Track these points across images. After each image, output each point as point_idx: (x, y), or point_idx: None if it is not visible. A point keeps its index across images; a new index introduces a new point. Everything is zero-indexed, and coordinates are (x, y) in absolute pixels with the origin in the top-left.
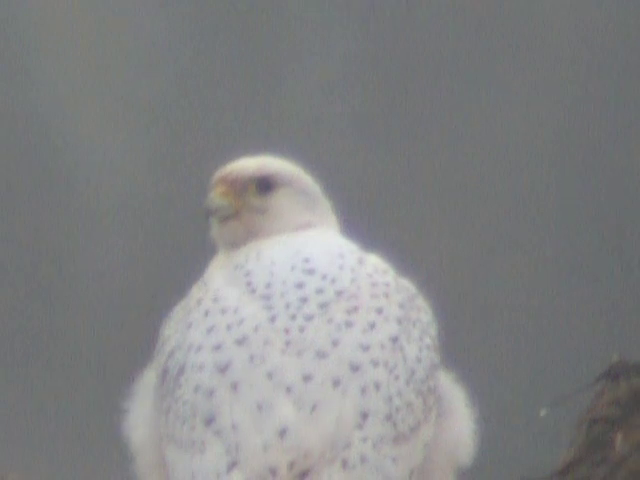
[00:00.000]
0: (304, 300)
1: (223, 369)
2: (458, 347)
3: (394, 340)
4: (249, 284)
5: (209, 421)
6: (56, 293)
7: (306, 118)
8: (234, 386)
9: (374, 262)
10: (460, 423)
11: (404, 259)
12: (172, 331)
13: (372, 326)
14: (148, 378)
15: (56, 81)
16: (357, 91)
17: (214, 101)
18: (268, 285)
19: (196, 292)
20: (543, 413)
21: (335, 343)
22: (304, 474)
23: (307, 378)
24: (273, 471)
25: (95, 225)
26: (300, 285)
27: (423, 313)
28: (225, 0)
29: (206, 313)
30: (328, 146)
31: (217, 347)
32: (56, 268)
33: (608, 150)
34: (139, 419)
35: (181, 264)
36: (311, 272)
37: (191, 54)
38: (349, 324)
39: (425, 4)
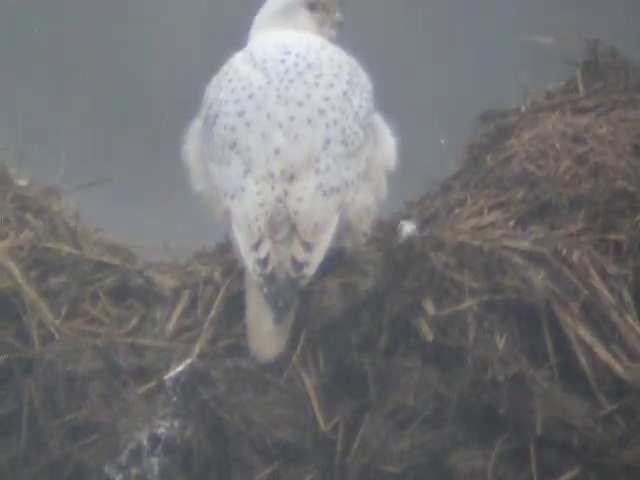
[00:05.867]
0: (287, 70)
1: (241, 114)
2: (387, 99)
3: (345, 94)
4: (253, 61)
5: (232, 146)
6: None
7: None
8: (247, 124)
9: (332, 48)
10: (387, 145)
11: (355, 49)
12: (210, 92)
13: (331, 85)
14: (196, 122)
15: None
16: None
17: None
18: (264, 61)
19: (225, 68)
20: (443, 141)
21: (308, 96)
22: (292, 177)
23: (292, 118)
24: (271, 174)
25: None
26: (283, 61)
27: (363, 78)
28: None
29: (230, 80)
30: None
31: (237, 100)
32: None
33: None
34: (191, 146)
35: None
36: (288, 53)
37: None
38: (317, 84)
39: None
